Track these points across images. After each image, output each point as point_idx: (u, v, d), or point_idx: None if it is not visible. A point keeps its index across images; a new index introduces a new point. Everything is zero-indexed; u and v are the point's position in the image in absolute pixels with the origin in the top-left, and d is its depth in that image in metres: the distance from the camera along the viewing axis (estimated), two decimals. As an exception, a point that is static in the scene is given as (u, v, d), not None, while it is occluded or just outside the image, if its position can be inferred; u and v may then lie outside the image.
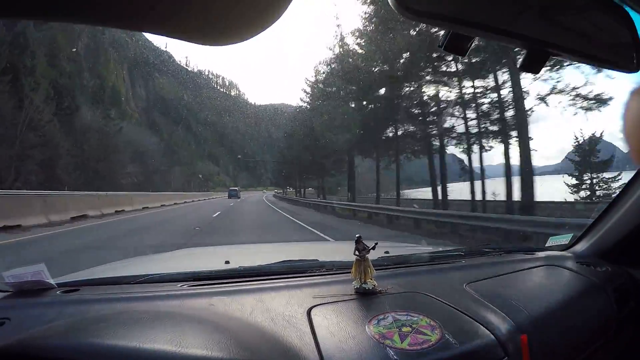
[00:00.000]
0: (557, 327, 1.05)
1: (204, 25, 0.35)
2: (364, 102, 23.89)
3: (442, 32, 0.66)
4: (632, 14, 0.73)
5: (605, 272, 1.36)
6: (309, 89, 31.79)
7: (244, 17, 0.35)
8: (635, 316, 1.30)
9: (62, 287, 1.07)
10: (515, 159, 14.88)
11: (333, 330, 0.86)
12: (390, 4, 0.54)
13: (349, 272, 1.08)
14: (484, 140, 17.70)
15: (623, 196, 1.42)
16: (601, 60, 0.75)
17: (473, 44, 0.66)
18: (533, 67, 0.69)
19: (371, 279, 1.05)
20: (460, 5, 0.60)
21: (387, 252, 1.55)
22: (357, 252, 1.06)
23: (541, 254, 1.56)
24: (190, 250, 3.07)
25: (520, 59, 0.69)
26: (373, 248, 1.07)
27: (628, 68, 0.74)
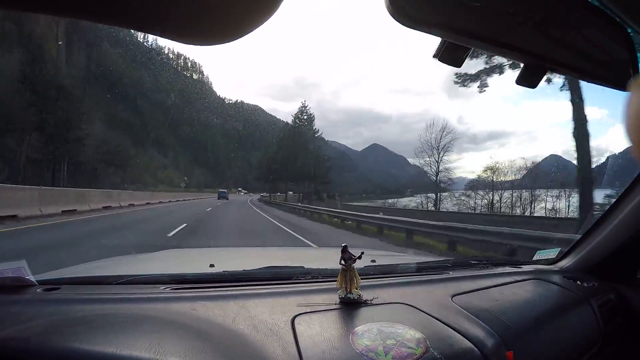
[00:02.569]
0: (543, 342, 1.06)
1: (193, 24, 0.34)
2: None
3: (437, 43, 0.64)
4: (631, 32, 0.73)
5: (591, 288, 1.38)
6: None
7: (234, 15, 0.35)
8: (622, 331, 1.32)
9: (43, 285, 1.04)
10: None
11: (316, 341, 0.84)
12: (387, 10, 0.53)
13: (335, 280, 1.07)
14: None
15: (612, 212, 1.44)
16: (598, 77, 0.74)
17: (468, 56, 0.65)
18: (530, 81, 0.68)
19: (357, 289, 1.04)
20: (457, 15, 0.59)
21: (373, 261, 1.53)
22: (343, 262, 1.04)
23: (528, 268, 1.58)
24: (175, 251, 3.02)
25: (518, 72, 0.68)
26: (359, 257, 1.06)
27: (624, 86, 0.72)
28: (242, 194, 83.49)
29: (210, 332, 0.83)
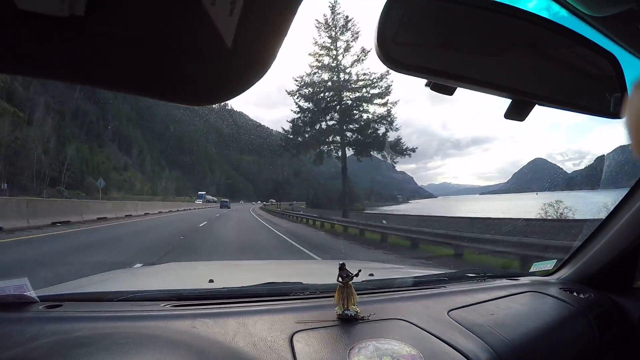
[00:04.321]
0: (539, 356, 1.07)
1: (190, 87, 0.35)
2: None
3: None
4: (621, 59, 0.73)
5: (587, 299, 1.39)
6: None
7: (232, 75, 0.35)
8: (619, 342, 1.34)
9: (45, 302, 1.05)
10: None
11: (314, 359, 0.85)
12: (377, 56, 0.56)
13: (333, 296, 1.08)
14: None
15: (608, 222, 1.45)
16: (588, 108, 0.75)
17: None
18: (518, 115, 0.69)
19: (354, 306, 1.05)
20: (441, 59, 0.61)
21: (371, 275, 1.55)
22: (340, 279, 1.06)
23: (524, 280, 1.59)
24: (175, 265, 2.99)
25: (506, 108, 0.69)
26: (356, 275, 1.07)
27: (615, 115, 0.74)
28: (212, 201, 66.16)
29: (211, 351, 0.84)
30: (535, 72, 0.68)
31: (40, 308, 1.01)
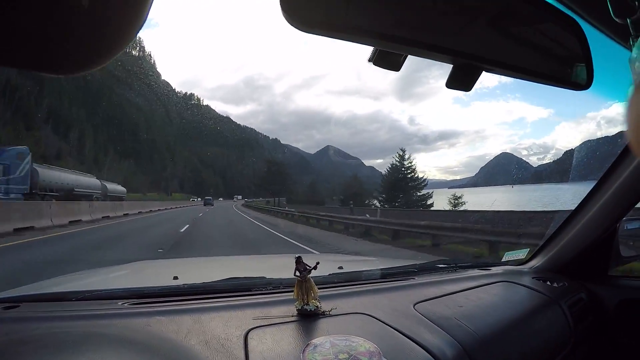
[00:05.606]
0: (510, 348, 1.03)
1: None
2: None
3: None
4: (584, 25, 0.69)
5: (561, 288, 1.37)
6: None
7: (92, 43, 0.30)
8: (594, 330, 1.32)
9: (3, 303, 1.02)
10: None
11: (267, 357, 0.80)
12: (282, 15, 0.46)
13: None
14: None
15: (580, 210, 1.43)
16: (547, 77, 0.68)
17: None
18: (464, 83, 0.62)
19: (314, 300, 1.00)
20: (383, 19, 0.53)
21: (340, 268, 1.50)
22: (297, 273, 1.01)
23: (496, 270, 1.55)
24: (140, 264, 2.83)
25: (449, 75, 0.62)
26: (314, 268, 1.02)
27: (578, 85, 0.69)
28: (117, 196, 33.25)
29: (159, 349, 0.79)
30: (486, 32, 0.61)
31: None
